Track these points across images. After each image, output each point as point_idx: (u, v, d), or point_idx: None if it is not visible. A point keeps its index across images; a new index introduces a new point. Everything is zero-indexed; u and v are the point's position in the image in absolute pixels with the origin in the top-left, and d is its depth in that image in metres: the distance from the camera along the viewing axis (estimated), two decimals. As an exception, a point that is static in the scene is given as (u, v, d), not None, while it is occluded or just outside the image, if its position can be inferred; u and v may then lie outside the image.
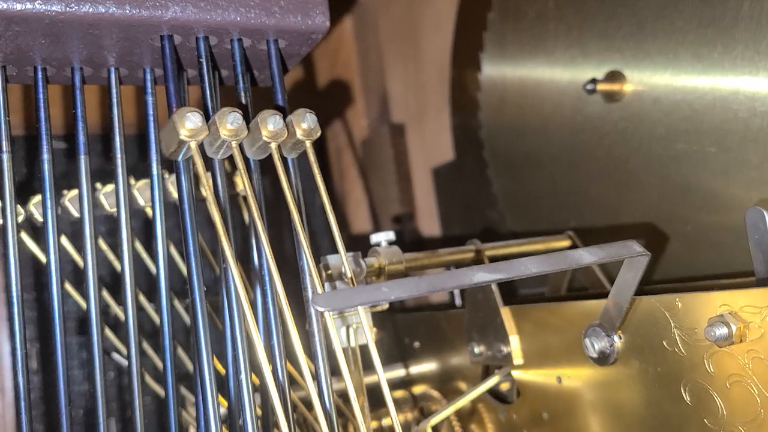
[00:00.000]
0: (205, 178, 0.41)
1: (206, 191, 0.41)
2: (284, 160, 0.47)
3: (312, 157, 0.46)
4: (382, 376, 0.43)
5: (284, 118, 0.45)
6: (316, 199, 0.85)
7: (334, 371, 0.53)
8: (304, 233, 0.44)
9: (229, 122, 0.43)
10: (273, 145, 0.45)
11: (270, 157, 0.45)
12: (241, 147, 0.44)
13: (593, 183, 0.62)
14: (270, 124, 0.44)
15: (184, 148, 0.43)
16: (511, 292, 0.69)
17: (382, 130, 0.92)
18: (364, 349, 0.54)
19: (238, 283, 0.40)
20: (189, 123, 0.42)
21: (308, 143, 0.46)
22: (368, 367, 0.58)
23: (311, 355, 0.45)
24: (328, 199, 0.45)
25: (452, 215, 0.84)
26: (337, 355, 0.41)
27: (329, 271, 0.53)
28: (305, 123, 0.45)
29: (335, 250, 0.54)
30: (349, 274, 0.44)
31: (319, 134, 0.46)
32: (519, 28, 0.69)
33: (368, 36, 0.95)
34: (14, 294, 0.46)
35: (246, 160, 0.47)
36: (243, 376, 0.44)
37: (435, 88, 0.85)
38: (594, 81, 0.60)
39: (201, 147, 0.44)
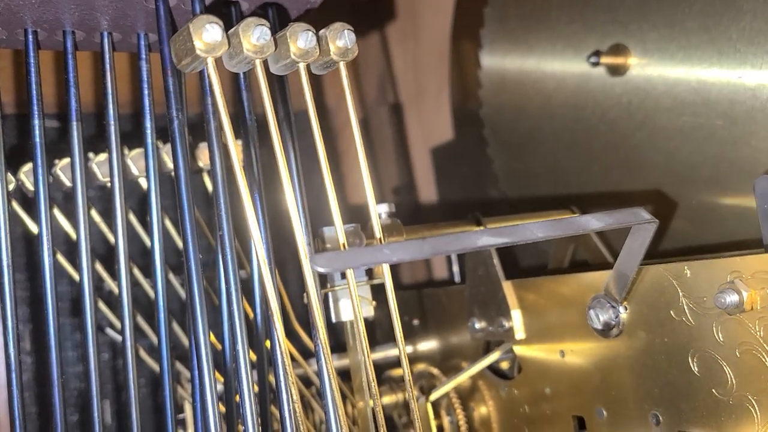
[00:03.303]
0: (223, 99, 0.36)
1: (222, 106, 0.36)
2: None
3: (345, 80, 0.41)
4: (403, 350, 0.41)
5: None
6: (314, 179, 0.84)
7: (335, 347, 0.52)
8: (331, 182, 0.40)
9: (255, 37, 0.37)
10: (302, 65, 0.39)
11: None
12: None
13: (596, 159, 0.61)
14: (301, 40, 0.38)
15: (196, 62, 0.38)
16: (512, 267, 0.68)
17: (380, 110, 0.90)
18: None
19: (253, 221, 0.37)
20: (207, 35, 0.36)
21: (342, 64, 0.40)
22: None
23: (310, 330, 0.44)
24: (357, 118, 0.40)
25: (451, 195, 0.83)
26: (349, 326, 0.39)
27: (327, 245, 0.52)
28: (341, 41, 0.40)
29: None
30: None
31: (355, 54, 0.40)
32: (520, 2, 0.67)
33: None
34: (4, 263, 0.45)
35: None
36: (240, 348, 0.43)
37: (434, 67, 0.83)
38: (597, 53, 0.59)
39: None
